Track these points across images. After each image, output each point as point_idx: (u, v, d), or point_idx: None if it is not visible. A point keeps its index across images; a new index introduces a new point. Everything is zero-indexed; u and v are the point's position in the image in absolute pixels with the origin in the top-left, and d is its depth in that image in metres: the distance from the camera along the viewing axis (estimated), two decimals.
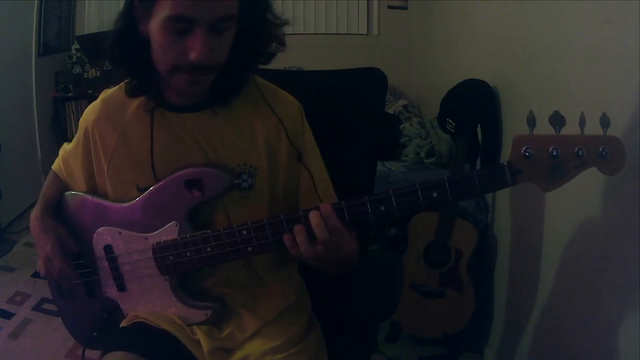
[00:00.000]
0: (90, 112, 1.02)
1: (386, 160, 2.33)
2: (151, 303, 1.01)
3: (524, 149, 0.79)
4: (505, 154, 1.70)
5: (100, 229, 1.00)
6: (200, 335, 1.00)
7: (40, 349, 1.94)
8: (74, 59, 3.35)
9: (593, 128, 0.79)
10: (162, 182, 0.95)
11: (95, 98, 1.05)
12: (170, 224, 0.95)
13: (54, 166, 1.11)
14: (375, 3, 3.64)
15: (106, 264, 1.01)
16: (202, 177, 0.93)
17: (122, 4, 0.89)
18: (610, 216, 1.08)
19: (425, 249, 1.80)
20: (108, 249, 1.00)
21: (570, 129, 0.79)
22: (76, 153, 1.05)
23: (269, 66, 0.98)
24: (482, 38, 2.05)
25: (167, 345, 0.98)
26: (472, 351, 1.93)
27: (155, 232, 0.96)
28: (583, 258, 1.20)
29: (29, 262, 2.50)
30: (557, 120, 0.79)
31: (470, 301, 1.78)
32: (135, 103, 0.98)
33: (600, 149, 0.78)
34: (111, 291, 1.03)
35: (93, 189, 1.04)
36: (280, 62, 0.98)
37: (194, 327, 1.01)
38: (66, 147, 1.10)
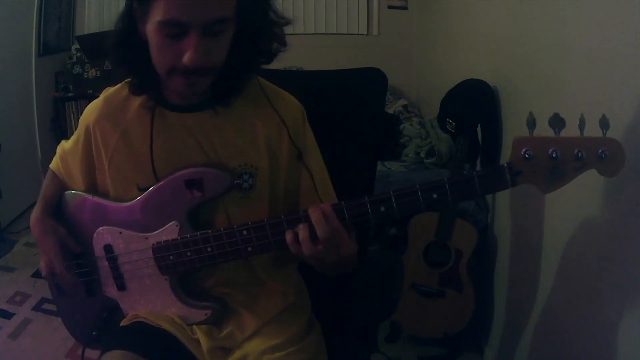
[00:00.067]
0: (92, 110, 1.02)
1: (386, 160, 2.33)
2: (151, 302, 1.01)
3: (523, 150, 0.79)
4: (505, 154, 1.70)
5: (100, 228, 1.00)
6: (199, 335, 1.00)
7: (40, 349, 1.94)
8: (74, 59, 3.35)
9: (593, 128, 0.79)
10: (163, 182, 0.95)
11: (96, 98, 1.05)
12: (170, 223, 0.95)
13: (52, 165, 1.11)
14: (375, 3, 3.64)
15: (106, 263, 1.01)
16: (203, 177, 0.93)
17: (121, 4, 0.89)
18: (610, 216, 1.08)
19: (425, 249, 1.80)
20: (108, 248, 1.00)
21: (570, 129, 0.80)
22: (75, 151, 1.05)
23: (269, 66, 0.98)
24: (482, 38, 2.05)
25: (167, 345, 0.98)
26: (472, 351, 1.94)
27: (156, 232, 0.96)
28: (583, 258, 1.20)
29: (29, 262, 2.50)
30: (556, 122, 0.79)
31: (470, 301, 1.78)
32: (137, 102, 0.98)
33: (600, 151, 0.78)
34: (111, 290, 1.03)
35: (92, 188, 1.04)
36: (280, 62, 0.97)
37: (194, 326, 1.01)
38: (64, 145, 1.10)
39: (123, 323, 1.03)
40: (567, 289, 1.29)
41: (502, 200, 1.76)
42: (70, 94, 3.32)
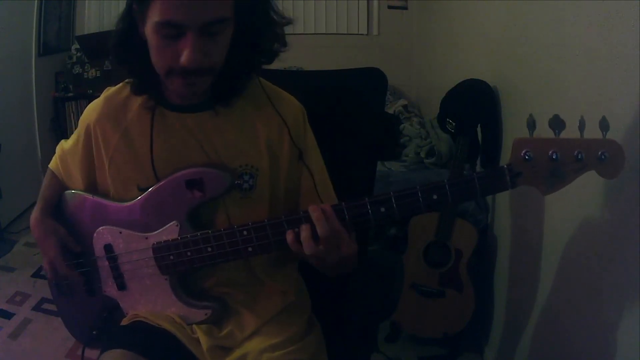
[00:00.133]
0: (92, 109, 1.02)
1: (386, 160, 2.33)
2: (151, 302, 1.01)
3: (524, 152, 0.79)
4: (505, 154, 1.70)
5: (100, 228, 1.00)
6: (199, 334, 1.00)
7: (40, 349, 1.94)
8: (74, 59, 3.35)
9: (593, 129, 0.79)
10: (163, 182, 0.95)
11: (95, 98, 1.05)
12: (170, 223, 0.95)
13: (51, 165, 1.11)
14: (375, 3, 3.64)
15: (106, 263, 1.01)
16: (203, 177, 0.93)
17: (122, 4, 0.89)
18: (610, 216, 1.08)
19: (425, 249, 1.80)
20: (108, 248, 1.00)
21: (570, 129, 0.80)
22: (75, 151, 1.05)
23: (270, 66, 0.98)
24: (482, 38, 2.05)
25: (167, 344, 0.98)
26: (472, 351, 1.94)
27: (156, 232, 0.96)
28: (583, 258, 1.20)
29: (29, 262, 2.50)
30: (557, 123, 0.79)
31: (470, 301, 1.78)
32: (137, 102, 0.98)
33: (600, 153, 0.78)
34: (111, 290, 1.04)
35: (91, 188, 1.04)
36: (280, 62, 0.97)
37: (194, 325, 1.01)
38: (64, 145, 1.10)
39: (123, 322, 1.03)
40: (567, 289, 1.29)
41: (502, 200, 1.76)
42: (70, 94, 3.32)
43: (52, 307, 2.10)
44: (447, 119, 1.78)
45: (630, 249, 0.99)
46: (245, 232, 0.90)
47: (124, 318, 1.04)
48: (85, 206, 1.03)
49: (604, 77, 1.09)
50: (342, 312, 1.17)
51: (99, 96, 1.05)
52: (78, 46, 3.36)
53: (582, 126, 0.79)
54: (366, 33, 3.68)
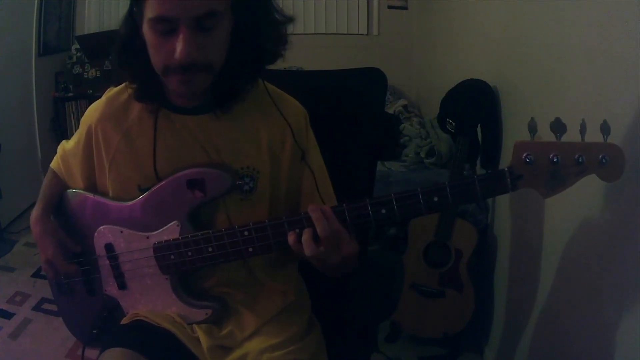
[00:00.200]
0: (94, 110, 1.02)
1: (386, 160, 2.33)
2: (152, 302, 1.01)
3: (524, 154, 0.80)
4: (505, 154, 1.70)
5: (101, 227, 1.00)
6: (199, 334, 1.00)
7: (40, 349, 1.94)
8: (74, 59, 3.35)
9: (593, 130, 0.79)
10: (164, 182, 0.95)
11: (96, 98, 1.06)
12: (171, 223, 0.95)
13: (53, 164, 1.12)
14: (375, 3, 3.64)
15: (107, 262, 1.01)
16: (204, 177, 0.93)
17: (122, 4, 0.89)
18: (610, 216, 1.08)
19: (425, 249, 1.81)
20: (109, 247, 1.00)
21: (570, 130, 0.80)
22: (77, 151, 1.05)
23: (270, 66, 0.97)
24: (482, 38, 2.05)
25: (167, 343, 0.98)
26: (472, 351, 1.94)
27: (157, 232, 0.96)
28: (583, 258, 1.20)
29: (29, 262, 2.50)
30: (558, 126, 0.79)
31: (470, 301, 1.78)
32: (139, 103, 0.98)
33: (601, 157, 0.79)
34: (112, 289, 1.04)
35: (92, 188, 1.04)
36: (280, 62, 0.97)
37: (194, 325, 1.01)
38: (65, 145, 1.10)
39: (123, 322, 1.03)
40: (567, 289, 1.29)
41: (502, 201, 1.76)
42: (70, 94, 3.32)
43: (52, 307, 2.11)
44: (447, 119, 1.78)
45: (630, 249, 0.99)
46: (246, 233, 0.90)
47: (124, 317, 1.04)
48: (86, 205, 1.03)
49: (604, 77, 1.09)
50: (342, 312, 1.17)
51: (99, 96, 1.05)
52: (78, 46, 3.36)
53: (583, 129, 0.79)
54: (366, 33, 3.69)
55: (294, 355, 0.98)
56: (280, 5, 0.94)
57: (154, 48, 0.86)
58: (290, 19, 0.94)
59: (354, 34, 3.69)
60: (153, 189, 0.96)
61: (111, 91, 1.03)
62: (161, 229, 0.96)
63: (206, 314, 0.99)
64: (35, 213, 1.04)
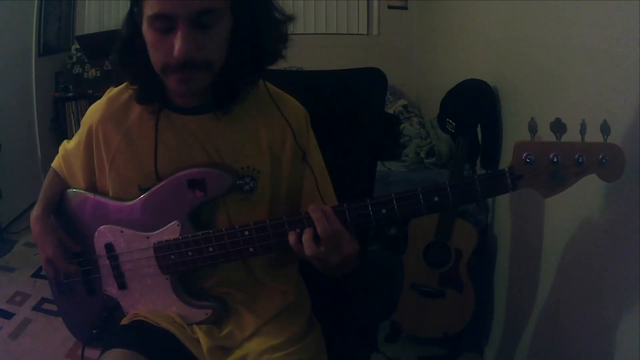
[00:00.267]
0: (95, 110, 1.02)
1: (386, 160, 2.33)
2: (152, 302, 1.01)
3: (525, 154, 0.80)
4: (505, 154, 1.70)
5: (101, 227, 1.00)
6: (199, 334, 1.00)
7: (40, 349, 1.94)
8: (74, 59, 3.35)
9: (593, 130, 0.79)
10: (165, 182, 0.95)
11: (96, 98, 1.06)
12: (172, 223, 0.95)
13: (54, 164, 1.12)
14: (375, 3, 3.64)
15: (107, 262, 1.01)
16: (205, 177, 0.93)
17: (122, 4, 0.90)
18: (610, 216, 1.08)
19: (425, 249, 1.81)
20: (109, 247, 1.00)
21: (570, 130, 0.80)
22: (78, 151, 1.05)
23: (270, 66, 0.97)
24: (482, 38, 2.05)
25: (167, 344, 0.98)
26: (472, 351, 1.94)
27: (157, 231, 0.96)
28: (583, 258, 1.20)
29: (29, 262, 2.50)
30: (558, 127, 0.80)
31: (470, 301, 1.78)
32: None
33: (601, 157, 0.79)
34: (112, 289, 1.04)
35: (93, 187, 1.04)
36: (280, 62, 0.97)
37: (194, 326, 1.01)
38: (66, 145, 1.10)
39: (123, 322, 1.03)
40: (567, 289, 1.29)
41: (502, 201, 1.76)
42: (70, 94, 3.31)
43: (52, 307, 2.11)
44: (447, 119, 1.78)
45: (630, 249, 0.99)
46: (246, 232, 0.90)
47: (124, 317, 1.04)
48: (86, 205, 1.03)
49: (604, 77, 1.09)
50: (342, 312, 1.17)
51: (99, 96, 1.05)
52: (78, 46, 3.36)
53: (583, 129, 0.79)
54: (366, 33, 3.69)
55: (294, 357, 0.98)
56: (280, 5, 0.94)
57: (153, 46, 0.86)
58: (291, 18, 0.94)
59: (354, 34, 3.69)
60: (153, 188, 0.96)
61: (112, 91, 1.03)
62: (161, 229, 0.96)
63: (206, 314, 0.99)
64: (35, 212, 1.04)
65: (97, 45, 3.20)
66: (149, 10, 0.82)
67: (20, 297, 2.25)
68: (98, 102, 1.04)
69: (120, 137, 0.98)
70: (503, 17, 1.79)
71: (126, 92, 0.99)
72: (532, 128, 0.81)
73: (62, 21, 3.33)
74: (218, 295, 1.02)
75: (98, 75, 3.32)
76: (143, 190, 0.97)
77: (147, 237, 0.97)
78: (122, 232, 0.99)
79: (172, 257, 0.95)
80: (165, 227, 0.95)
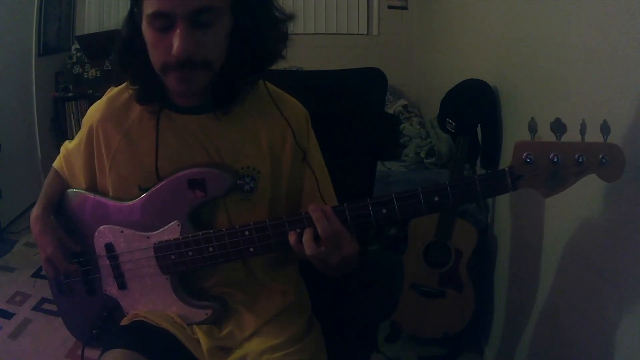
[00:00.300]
0: (95, 110, 1.02)
1: (386, 160, 2.33)
2: (152, 302, 1.01)
3: (525, 154, 0.80)
4: (505, 154, 1.70)
5: (101, 227, 1.00)
6: (199, 334, 1.00)
7: (40, 349, 1.94)
8: (74, 59, 3.34)
9: (593, 130, 0.79)
10: (165, 182, 0.95)
11: (96, 98, 1.06)
12: (172, 223, 0.95)
13: (55, 164, 1.12)
14: (375, 3, 3.64)
15: (107, 262, 1.01)
16: (205, 177, 0.93)
17: (122, 4, 0.90)
18: (610, 216, 1.08)
19: (425, 249, 1.81)
20: (109, 247, 1.00)
21: (570, 130, 0.80)
22: (78, 151, 1.05)
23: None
24: (482, 38, 2.05)
25: (167, 344, 0.98)
26: (472, 351, 1.94)
27: (157, 231, 0.96)
28: (583, 258, 1.20)
29: (29, 262, 2.50)
30: (558, 127, 0.80)
31: (470, 301, 1.78)
32: None
33: (601, 156, 0.79)
34: (112, 289, 1.04)
35: (94, 187, 1.04)
36: (280, 62, 0.97)
37: (194, 326, 1.01)
38: (68, 145, 1.10)
39: (123, 322, 1.03)
40: (567, 289, 1.29)
41: (502, 201, 1.76)
42: (70, 94, 3.31)
43: (52, 307, 2.10)
44: (447, 119, 1.78)
45: (630, 249, 0.99)
46: (247, 232, 0.90)
47: (124, 318, 1.04)
48: (86, 205, 1.03)
49: (604, 77, 1.09)
50: (342, 312, 1.17)
51: (99, 96, 1.05)
52: (78, 46, 3.36)
53: (583, 129, 0.79)
54: (366, 33, 3.69)
55: (294, 357, 0.98)
56: (280, 5, 0.94)
57: (153, 45, 0.86)
58: (291, 17, 0.94)
59: (354, 34, 3.69)
60: (154, 188, 0.96)
61: (112, 91, 1.03)
62: (162, 229, 0.96)
63: (206, 314, 0.99)
64: (35, 211, 1.04)
65: (97, 45, 3.20)
66: (148, 8, 0.82)
67: (20, 297, 2.25)
68: (98, 101, 1.04)
69: (121, 136, 0.98)
70: (503, 17, 1.79)
71: (126, 92, 0.99)
72: (532, 128, 0.81)
73: (62, 21, 3.33)
74: (218, 295, 1.02)
75: (98, 75, 3.32)
76: (143, 190, 0.97)
77: (147, 237, 0.97)
78: (122, 232, 0.99)
79: (172, 257, 0.95)
80: (166, 227, 0.95)
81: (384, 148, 2.38)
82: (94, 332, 1.07)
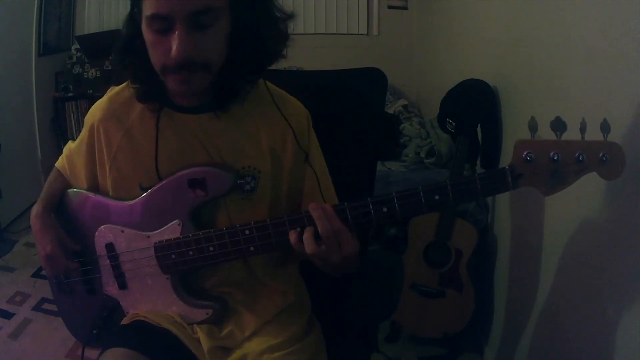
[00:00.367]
0: (97, 109, 1.03)
1: (386, 160, 2.33)
2: (152, 301, 1.01)
3: (525, 153, 0.80)
4: (505, 154, 1.70)
5: (102, 227, 1.00)
6: (200, 334, 1.00)
7: (40, 349, 1.94)
8: (74, 59, 3.34)
9: (593, 129, 0.80)
10: (166, 181, 0.95)
11: (96, 98, 1.06)
12: (172, 222, 0.95)
13: (58, 163, 1.12)
14: (375, 3, 3.64)
15: (107, 262, 1.01)
16: (206, 176, 0.93)
17: (121, 4, 0.90)
18: (610, 216, 1.08)
19: (425, 249, 1.81)
20: (110, 247, 1.00)
21: (570, 130, 0.80)
22: (80, 150, 1.05)
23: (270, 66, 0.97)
24: (482, 38, 2.05)
25: (167, 344, 0.98)
26: (472, 351, 1.94)
27: (158, 231, 0.96)
28: (583, 258, 1.20)
29: (29, 262, 2.49)
30: (558, 125, 0.80)
31: (470, 301, 1.78)
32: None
33: (601, 155, 0.79)
34: (112, 289, 1.04)
35: (95, 187, 1.04)
36: (280, 62, 0.97)
37: (194, 325, 1.01)
38: (71, 145, 1.11)
39: (123, 322, 1.03)
40: (567, 289, 1.29)
41: (502, 200, 1.76)
42: (70, 94, 3.31)
43: (52, 307, 2.10)
44: (447, 119, 1.78)
45: (630, 249, 0.99)
46: (247, 232, 0.90)
47: (125, 317, 1.04)
48: (87, 205, 1.03)
49: (604, 77, 1.09)
50: (342, 312, 1.17)
51: (99, 96, 1.05)
52: (78, 46, 3.36)
53: (583, 128, 0.79)
54: (366, 33, 3.68)
55: (294, 357, 0.98)
56: (280, 4, 0.94)
57: (152, 47, 0.86)
58: (291, 16, 0.94)
59: (354, 34, 3.69)
60: (154, 188, 0.96)
61: (113, 90, 1.03)
62: (162, 228, 0.96)
63: (207, 313, 0.99)
64: (36, 209, 1.04)
65: (97, 45, 3.20)
66: (147, 10, 0.82)
67: (20, 297, 2.25)
68: (100, 100, 1.04)
69: (122, 135, 0.98)
70: (503, 17, 1.79)
71: (127, 91, 0.99)
72: (532, 127, 0.81)
73: (62, 21, 3.33)
74: (218, 295, 1.02)
75: (98, 75, 3.32)
76: (144, 190, 0.97)
77: (148, 237, 0.97)
78: (122, 231, 0.99)
79: (173, 256, 0.95)
80: (166, 227, 0.96)
81: (384, 148, 2.38)
82: (94, 332, 1.07)
